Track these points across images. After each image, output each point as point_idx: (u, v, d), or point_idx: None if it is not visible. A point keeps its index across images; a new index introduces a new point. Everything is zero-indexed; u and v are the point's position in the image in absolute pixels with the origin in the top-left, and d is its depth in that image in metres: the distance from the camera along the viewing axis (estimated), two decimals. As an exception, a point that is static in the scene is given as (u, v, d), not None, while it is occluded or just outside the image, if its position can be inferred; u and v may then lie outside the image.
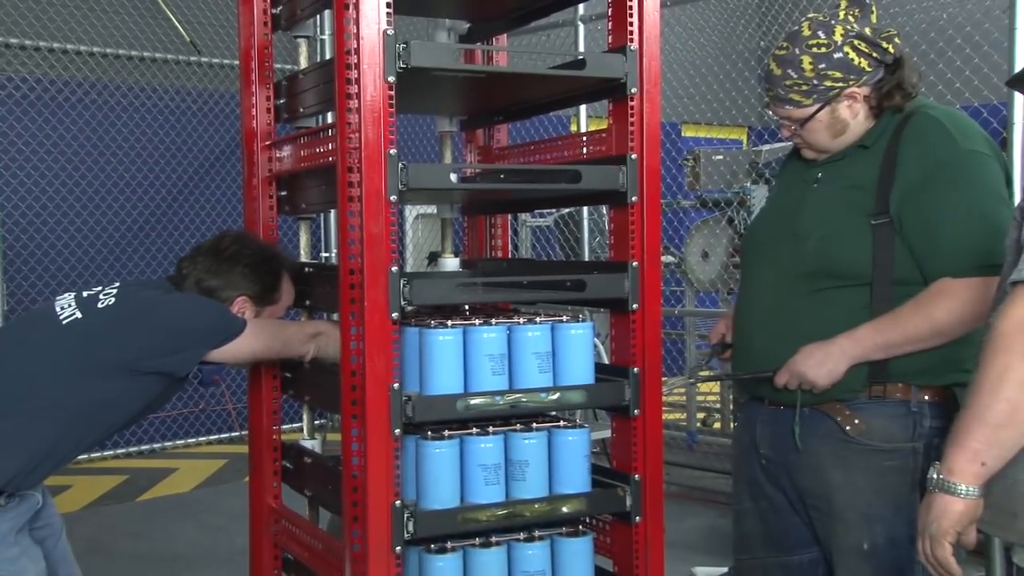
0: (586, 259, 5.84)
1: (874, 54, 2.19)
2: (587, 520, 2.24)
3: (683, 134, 9.98)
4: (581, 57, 2.11)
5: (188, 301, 2.31)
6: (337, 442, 2.11)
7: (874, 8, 2.26)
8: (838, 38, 2.19)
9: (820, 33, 2.20)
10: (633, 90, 2.09)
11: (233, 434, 7.53)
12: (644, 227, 2.12)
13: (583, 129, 5.93)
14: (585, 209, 6.02)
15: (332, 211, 6.25)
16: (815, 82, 2.20)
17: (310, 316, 2.52)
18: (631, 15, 2.09)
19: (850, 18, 2.23)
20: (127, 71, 7.23)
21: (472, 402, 1.97)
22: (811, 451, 2.25)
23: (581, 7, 5.94)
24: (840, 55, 2.19)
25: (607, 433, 2.33)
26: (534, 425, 2.10)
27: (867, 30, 2.21)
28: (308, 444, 2.46)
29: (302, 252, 2.57)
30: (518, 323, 2.06)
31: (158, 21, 7.30)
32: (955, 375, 2.15)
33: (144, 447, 7.16)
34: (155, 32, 7.31)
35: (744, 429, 2.43)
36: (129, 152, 7.19)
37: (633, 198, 2.11)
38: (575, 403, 2.11)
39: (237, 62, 2.51)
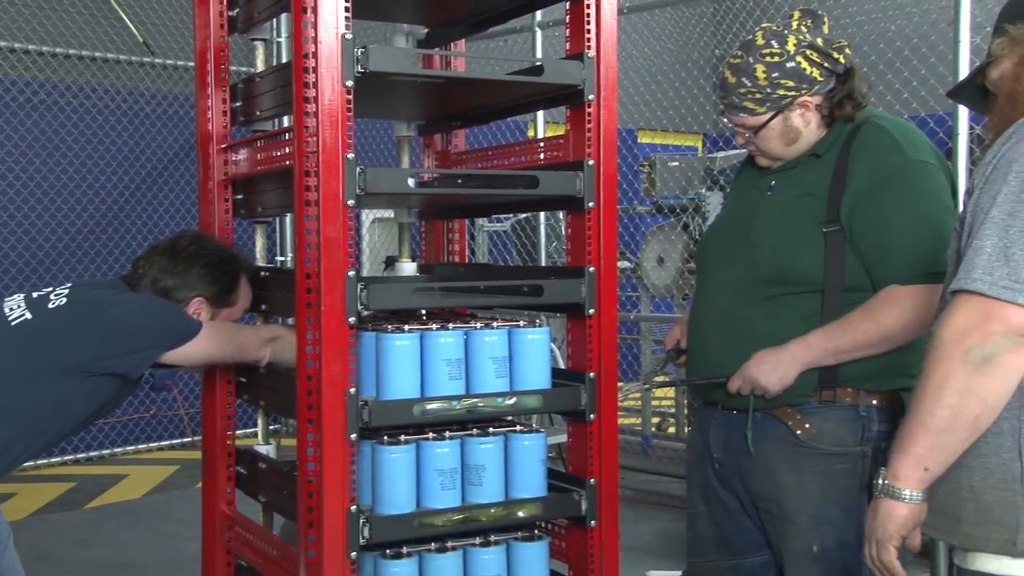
0: (543, 264, 5.86)
1: (826, 64, 2.23)
2: (543, 524, 2.25)
3: (639, 140, 10.06)
4: (539, 63, 2.12)
5: (142, 301, 2.28)
6: (291, 447, 2.10)
7: (826, 20, 2.31)
8: (791, 48, 2.23)
9: (773, 43, 2.24)
10: (590, 97, 2.11)
11: (185, 440, 7.44)
12: (601, 233, 2.13)
13: (540, 135, 5.95)
14: (542, 214, 6.03)
15: (288, 215, 6.21)
16: (768, 90, 2.24)
17: (266, 320, 2.51)
18: (588, 22, 2.11)
19: (803, 28, 2.28)
20: (78, 71, 7.12)
21: (429, 407, 1.97)
22: (763, 455, 2.28)
23: (539, 13, 5.96)
24: (793, 64, 2.23)
25: (563, 438, 2.34)
26: (491, 430, 2.10)
27: (819, 40, 2.25)
28: (262, 449, 2.44)
29: (258, 256, 2.55)
30: (475, 328, 2.06)
31: (110, 21, 7.20)
32: (902, 380, 2.20)
33: (93, 453, 7.03)
34: (107, 32, 7.21)
35: (698, 433, 2.46)
36: (80, 153, 7.08)
37: (590, 204, 2.12)
38: (532, 408, 2.12)
39: (191, 63, 2.49)
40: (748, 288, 2.27)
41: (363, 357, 2.00)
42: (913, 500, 1.63)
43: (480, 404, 2.02)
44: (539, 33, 5.96)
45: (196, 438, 7.27)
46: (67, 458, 6.87)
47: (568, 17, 2.16)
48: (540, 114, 5.94)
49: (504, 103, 2.42)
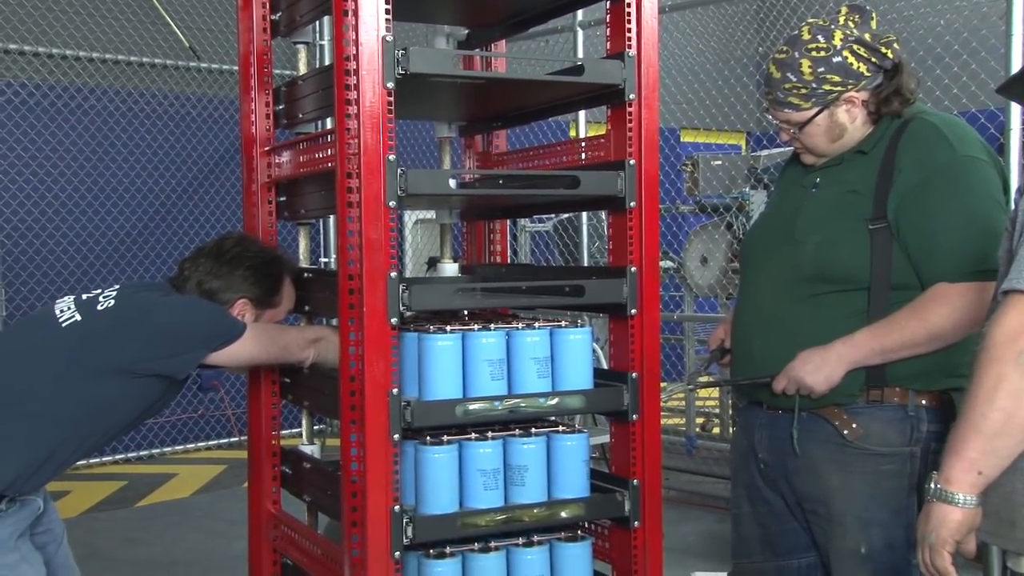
0: (585, 264, 5.85)
1: (873, 59, 2.20)
2: (586, 525, 2.24)
3: (682, 139, 10.00)
4: (580, 63, 2.11)
5: (188, 303, 2.31)
6: (335, 447, 2.11)
7: (874, 15, 2.27)
8: (837, 42, 2.20)
9: (820, 37, 2.21)
10: (631, 96, 2.10)
11: (232, 439, 7.53)
12: (643, 232, 2.12)
13: (582, 135, 5.93)
14: (584, 214, 6.02)
15: (331, 217, 6.26)
16: (814, 86, 2.21)
17: (309, 321, 2.53)
18: (629, 21, 2.10)
19: (850, 24, 2.24)
20: (126, 76, 7.23)
21: (471, 407, 1.97)
22: (809, 455, 2.25)
23: (580, 13, 5.95)
24: (839, 59, 2.20)
25: (606, 438, 2.33)
26: (533, 430, 2.10)
27: (866, 36, 2.22)
28: (307, 449, 2.46)
29: (301, 258, 2.58)
30: (517, 328, 2.06)
31: (157, 27, 7.31)
32: (952, 379, 2.16)
33: (143, 452, 7.15)
34: (154, 38, 7.32)
35: (743, 433, 2.44)
36: (128, 157, 7.19)
37: (632, 203, 2.11)
38: (574, 408, 2.11)
39: (236, 68, 2.51)
40: (792, 287, 2.25)
41: (405, 358, 2.01)
42: (967, 505, 1.60)
43: (522, 404, 2.02)
44: (580, 33, 5.95)
45: (243, 438, 7.36)
46: (118, 457, 6.99)
47: (608, 16, 2.15)
48: (582, 114, 5.93)
49: (545, 103, 2.42)
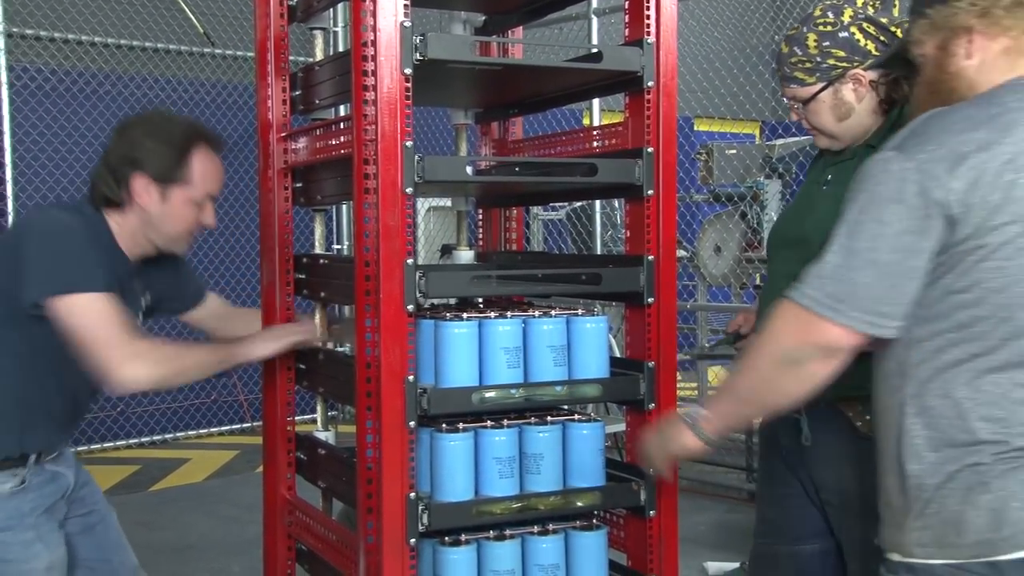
0: (598, 252, 5.84)
1: (882, 38, 2.18)
2: (601, 514, 2.24)
3: (696, 128, 9.96)
4: (598, 50, 2.10)
5: (48, 232, 2.09)
6: (349, 434, 2.11)
7: (896, 2, 2.24)
8: (846, 19, 2.19)
9: (829, 13, 2.21)
10: (650, 83, 2.09)
11: (244, 425, 7.56)
12: (660, 221, 2.11)
13: (596, 122, 5.91)
14: (598, 203, 6.00)
15: (344, 203, 6.26)
16: (818, 59, 2.19)
17: (324, 308, 2.52)
18: (648, 8, 2.09)
19: (869, 7, 2.22)
20: (141, 62, 7.24)
21: (487, 395, 1.97)
22: (824, 445, 2.25)
23: (595, 0, 5.93)
24: (845, 35, 2.18)
25: (620, 427, 2.32)
26: (548, 419, 2.10)
27: (883, 19, 2.20)
28: (322, 436, 2.46)
29: (317, 244, 2.57)
30: (533, 316, 2.05)
31: (172, 13, 7.31)
32: None
33: (156, 437, 7.19)
34: (169, 24, 7.32)
35: (768, 419, 2.45)
36: (143, 143, 7.20)
37: (649, 192, 2.10)
38: (590, 396, 2.11)
39: (250, 54, 2.51)
40: None
41: (421, 345, 2.00)
42: (710, 442, 1.84)
43: (538, 393, 2.01)
44: (595, 20, 5.93)
45: (255, 424, 7.39)
46: (132, 441, 7.03)
47: (627, 3, 2.13)
48: (596, 102, 5.91)
49: (562, 90, 2.41)
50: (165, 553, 4.76)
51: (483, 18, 2.57)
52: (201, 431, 7.42)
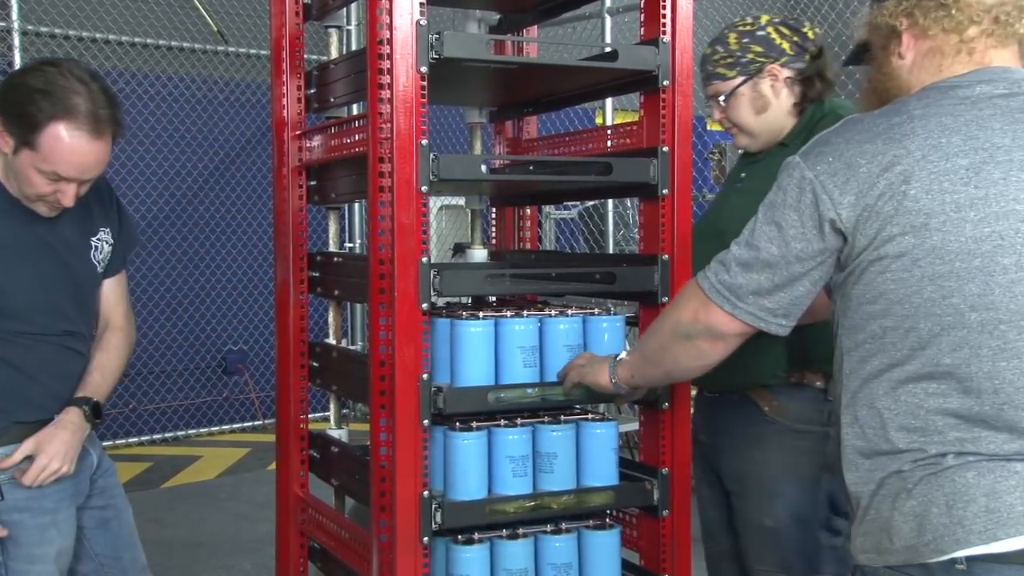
0: (610, 252, 5.83)
1: (795, 38, 2.37)
2: (614, 513, 2.24)
3: (708, 127, 9.93)
4: (613, 49, 2.10)
5: None
6: (360, 432, 2.11)
7: (808, 27, 2.44)
8: (763, 22, 2.38)
9: (748, 18, 2.42)
10: (665, 82, 2.08)
11: (256, 423, 7.57)
12: (675, 220, 2.11)
13: (609, 122, 5.91)
14: (610, 202, 5.99)
15: (357, 202, 6.26)
16: (738, 54, 2.36)
17: (338, 306, 2.52)
18: (664, 7, 2.08)
19: (775, 17, 2.41)
20: (155, 60, 7.26)
21: (503, 394, 1.97)
22: (734, 434, 2.38)
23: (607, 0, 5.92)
24: (763, 33, 2.37)
25: (634, 426, 2.33)
26: (562, 418, 2.09)
27: (795, 24, 2.40)
28: (335, 434, 2.46)
29: (331, 242, 2.57)
30: (550, 315, 2.05)
31: (186, 11, 7.33)
32: None
33: (168, 435, 7.21)
34: (183, 22, 7.34)
35: (694, 418, 2.50)
36: (156, 141, 7.23)
37: (664, 191, 2.10)
38: (608, 396, 2.09)
39: (263, 52, 2.51)
40: None
41: (437, 344, 2.00)
42: (616, 386, 1.94)
43: (554, 393, 2.01)
44: (608, 19, 5.92)
45: (266, 421, 7.41)
46: (143, 439, 7.05)
47: (643, 2, 2.13)
48: (609, 101, 5.90)
49: (576, 89, 2.41)
50: (177, 550, 4.78)
51: (498, 17, 2.57)
52: (212, 428, 7.43)
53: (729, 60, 2.35)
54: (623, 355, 1.95)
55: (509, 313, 2.02)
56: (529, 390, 1.99)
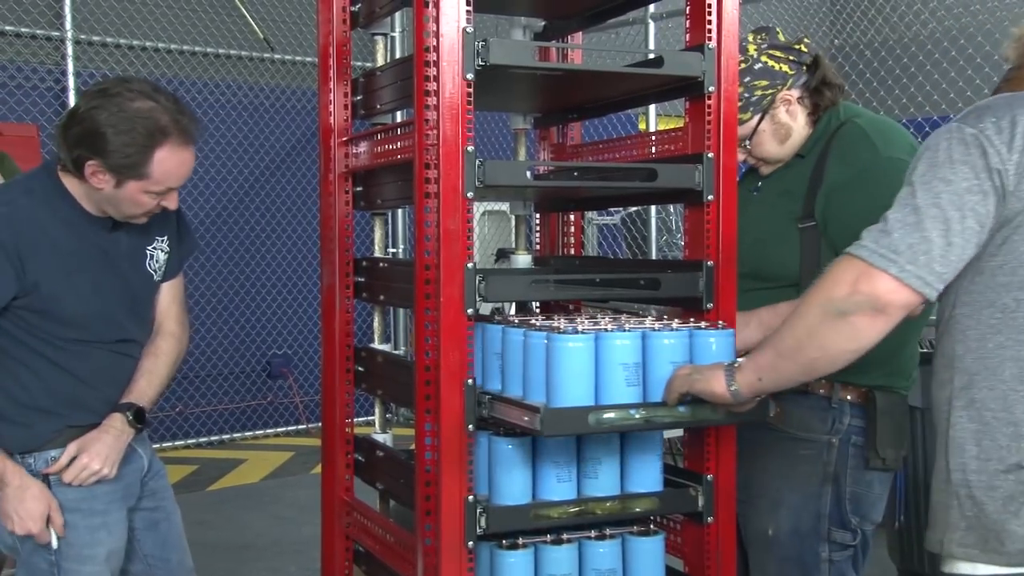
0: (653, 257, 5.81)
1: (790, 57, 2.37)
2: (658, 519, 2.23)
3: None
4: (659, 55, 2.09)
5: None
6: (401, 436, 2.12)
7: (779, 30, 2.44)
8: (753, 52, 2.39)
9: (738, 56, 2.34)
10: (711, 88, 2.08)
11: (300, 427, 7.65)
12: (720, 226, 2.10)
13: (652, 128, 5.89)
14: (653, 208, 5.97)
15: (402, 208, 6.30)
16: (747, 95, 2.35)
17: (383, 310, 2.54)
18: (710, 13, 2.08)
19: (759, 40, 2.41)
20: (203, 67, 7.38)
21: (605, 415, 1.85)
22: (738, 440, 2.30)
23: (652, 5, 5.91)
24: (760, 66, 2.37)
25: (677, 432, 2.32)
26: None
27: (780, 41, 2.40)
28: (380, 438, 2.48)
29: (376, 247, 2.60)
30: (653, 329, 1.96)
31: (233, 19, 7.43)
32: (877, 377, 2.25)
33: (214, 438, 7.31)
34: (230, 29, 7.44)
35: None
36: (203, 147, 7.32)
37: (709, 197, 2.09)
38: (712, 419, 1.94)
39: (309, 58, 2.54)
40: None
41: (486, 351, 2.01)
42: (735, 394, 1.80)
43: (658, 415, 1.90)
44: (652, 25, 5.91)
45: (310, 425, 7.48)
46: (190, 442, 7.16)
47: (688, 8, 2.12)
48: (652, 107, 5.89)
49: (621, 95, 2.40)
50: (222, 552, 4.83)
51: (543, 23, 2.58)
52: (257, 432, 7.52)
53: (740, 104, 2.29)
54: (741, 360, 1.83)
55: (610, 327, 1.94)
56: (633, 411, 1.87)
